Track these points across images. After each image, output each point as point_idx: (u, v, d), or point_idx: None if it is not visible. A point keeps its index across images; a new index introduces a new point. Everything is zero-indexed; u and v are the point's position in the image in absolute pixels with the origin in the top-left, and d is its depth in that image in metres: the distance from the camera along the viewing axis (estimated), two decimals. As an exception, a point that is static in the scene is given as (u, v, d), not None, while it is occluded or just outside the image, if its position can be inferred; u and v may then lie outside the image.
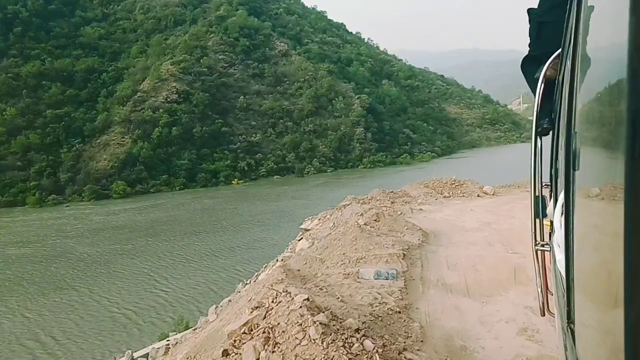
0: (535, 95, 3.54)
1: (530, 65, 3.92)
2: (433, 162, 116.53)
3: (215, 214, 67.02)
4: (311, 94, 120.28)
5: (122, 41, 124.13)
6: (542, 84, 3.48)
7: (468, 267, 11.81)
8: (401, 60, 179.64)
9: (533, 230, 3.63)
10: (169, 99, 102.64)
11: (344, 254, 12.35)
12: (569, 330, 2.13)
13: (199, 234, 54.64)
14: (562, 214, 2.55)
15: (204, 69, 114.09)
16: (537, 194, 3.63)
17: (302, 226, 23.64)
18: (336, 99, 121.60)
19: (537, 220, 3.63)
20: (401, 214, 19.08)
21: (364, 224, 15.02)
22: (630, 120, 0.73)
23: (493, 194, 23.53)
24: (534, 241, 3.63)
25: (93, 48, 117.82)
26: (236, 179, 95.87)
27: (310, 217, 24.73)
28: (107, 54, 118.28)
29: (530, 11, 3.91)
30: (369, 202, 22.26)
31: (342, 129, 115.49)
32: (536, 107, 3.52)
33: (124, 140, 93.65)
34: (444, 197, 24.04)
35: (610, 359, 1.07)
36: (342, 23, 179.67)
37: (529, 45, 4.02)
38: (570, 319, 2.14)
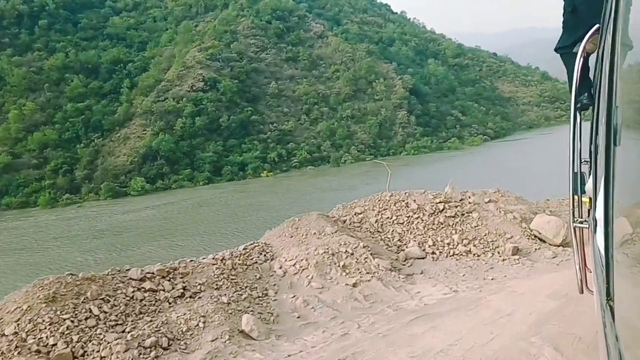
0: (573, 70, 3.53)
1: (566, 41, 3.97)
2: (485, 145, 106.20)
3: (240, 210, 60.35)
4: (349, 77, 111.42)
5: (151, 30, 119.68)
6: (581, 59, 3.49)
7: None
8: (449, 39, 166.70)
9: (571, 207, 3.65)
10: (194, 88, 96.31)
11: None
12: (608, 307, 2.14)
13: (217, 235, 47.38)
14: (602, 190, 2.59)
15: (234, 55, 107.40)
16: (575, 171, 3.65)
17: None
18: (376, 81, 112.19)
19: (576, 197, 3.66)
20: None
21: None
22: None
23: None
24: (572, 217, 3.62)
25: (121, 39, 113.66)
26: (266, 171, 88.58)
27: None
28: (135, 44, 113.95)
29: None
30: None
31: (382, 113, 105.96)
32: (575, 82, 3.52)
33: (144, 133, 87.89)
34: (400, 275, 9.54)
35: None
36: (385, 3, 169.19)
37: (563, 22, 4.03)
38: (609, 296, 2.15)
